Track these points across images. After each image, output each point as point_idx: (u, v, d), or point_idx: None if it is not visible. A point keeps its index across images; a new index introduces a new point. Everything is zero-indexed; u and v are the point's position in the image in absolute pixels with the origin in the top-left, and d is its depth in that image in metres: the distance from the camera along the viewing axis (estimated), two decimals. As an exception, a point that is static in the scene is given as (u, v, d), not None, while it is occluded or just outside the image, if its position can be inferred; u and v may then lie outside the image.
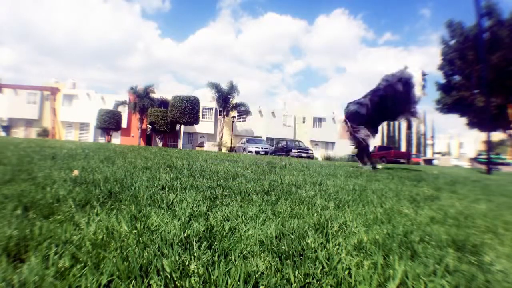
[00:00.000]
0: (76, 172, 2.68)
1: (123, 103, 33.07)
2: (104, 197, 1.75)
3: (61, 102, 35.10)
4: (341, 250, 1.09)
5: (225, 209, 1.63)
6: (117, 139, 33.61)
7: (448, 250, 1.16)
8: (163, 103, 31.21)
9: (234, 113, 34.42)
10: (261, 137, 32.53)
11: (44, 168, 2.89)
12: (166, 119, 28.58)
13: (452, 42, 23.85)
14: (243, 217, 1.47)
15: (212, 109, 35.96)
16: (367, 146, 6.00)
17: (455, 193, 2.94)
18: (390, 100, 5.70)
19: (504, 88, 19.93)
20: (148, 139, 33.98)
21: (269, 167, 4.68)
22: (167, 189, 2.16)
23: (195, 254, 0.98)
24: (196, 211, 1.56)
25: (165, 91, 35.48)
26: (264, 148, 23.66)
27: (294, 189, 2.45)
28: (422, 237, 1.32)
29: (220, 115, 33.77)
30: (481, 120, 20.74)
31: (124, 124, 33.50)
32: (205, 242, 1.08)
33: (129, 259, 0.89)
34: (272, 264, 0.95)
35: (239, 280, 0.82)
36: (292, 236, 1.18)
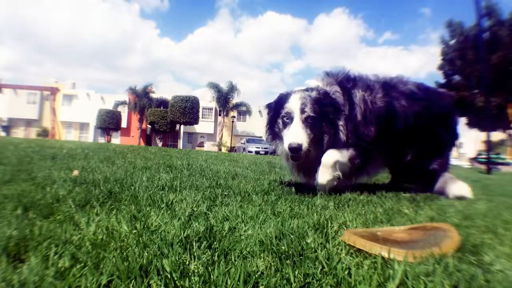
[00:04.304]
0: (76, 172, 2.68)
1: (123, 103, 33.07)
2: (104, 197, 1.75)
3: (61, 102, 35.10)
4: (341, 250, 1.10)
5: (225, 209, 1.64)
6: (117, 139, 33.62)
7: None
8: (163, 103, 31.19)
9: (234, 113, 34.41)
10: (261, 137, 32.53)
11: (44, 168, 2.89)
12: (166, 119, 28.58)
13: (452, 42, 23.86)
14: (243, 217, 1.47)
15: (212, 109, 35.97)
16: None
17: (455, 193, 2.94)
18: None
19: (504, 88, 19.92)
20: (148, 139, 33.97)
21: (269, 167, 4.68)
22: (166, 189, 2.16)
23: (195, 254, 0.98)
24: (196, 211, 1.56)
25: (165, 91, 35.56)
26: (264, 148, 23.66)
27: (294, 189, 2.46)
28: (422, 237, 1.32)
29: (220, 115, 33.75)
30: (481, 120, 20.73)
31: (124, 124, 33.51)
32: (205, 242, 1.08)
33: (129, 259, 0.89)
34: (272, 264, 0.95)
35: (239, 280, 0.82)
36: (292, 236, 1.18)
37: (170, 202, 1.72)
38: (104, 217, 1.34)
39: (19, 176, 2.29)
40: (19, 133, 33.42)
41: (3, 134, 31.04)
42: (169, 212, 1.50)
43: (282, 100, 2.16)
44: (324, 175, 2.15)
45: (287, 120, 2.05)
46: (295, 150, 1.89)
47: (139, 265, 0.86)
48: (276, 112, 2.18)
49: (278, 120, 2.16)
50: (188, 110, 27.40)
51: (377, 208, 1.90)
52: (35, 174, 2.46)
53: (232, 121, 33.22)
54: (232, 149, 30.12)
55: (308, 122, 2.01)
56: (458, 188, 2.18)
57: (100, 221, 1.28)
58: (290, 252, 1.04)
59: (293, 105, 2.04)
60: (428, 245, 1.10)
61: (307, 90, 2.15)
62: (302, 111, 2.01)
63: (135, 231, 1.17)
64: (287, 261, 0.97)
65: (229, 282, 0.81)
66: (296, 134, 1.94)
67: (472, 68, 21.16)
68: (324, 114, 2.09)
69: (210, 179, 2.78)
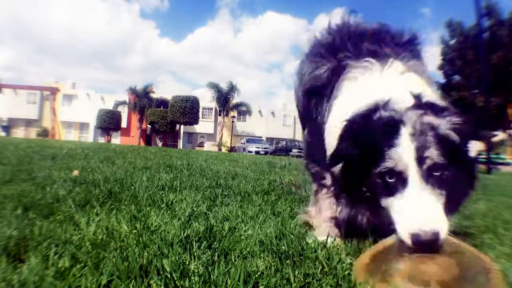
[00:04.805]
0: (76, 172, 2.68)
1: (123, 103, 33.05)
2: (104, 197, 1.75)
3: (61, 102, 35.06)
4: (341, 250, 1.10)
5: (225, 209, 1.64)
6: (116, 139, 33.58)
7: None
8: (163, 103, 31.19)
9: (234, 113, 34.39)
10: (261, 137, 32.53)
11: (44, 168, 2.89)
12: (166, 119, 28.58)
13: (452, 42, 23.86)
14: (243, 217, 1.47)
15: (212, 109, 35.95)
16: None
17: (455, 193, 2.93)
18: None
19: (504, 88, 19.91)
20: (148, 139, 33.96)
21: (269, 167, 4.68)
22: (166, 189, 2.16)
23: (195, 254, 0.98)
24: (196, 211, 1.56)
25: (165, 91, 35.55)
26: (264, 148, 23.70)
27: (294, 189, 2.46)
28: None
29: (220, 115, 33.74)
30: (481, 120, 20.69)
31: (124, 124, 33.48)
32: (204, 242, 1.08)
33: (129, 259, 0.89)
34: (272, 264, 0.95)
35: (239, 280, 0.82)
36: (292, 236, 1.19)
37: (170, 202, 1.72)
38: (104, 217, 1.34)
39: (19, 176, 2.29)
40: (19, 133, 33.39)
41: (3, 134, 31.03)
42: (169, 212, 1.50)
43: (370, 135, 0.99)
44: None
45: (392, 181, 0.97)
46: (430, 244, 0.86)
47: (139, 265, 0.86)
48: (356, 158, 1.00)
49: (364, 179, 1.01)
50: (188, 110, 27.41)
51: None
52: (35, 174, 2.46)
53: (232, 121, 33.20)
54: (232, 149, 30.12)
55: (434, 175, 0.96)
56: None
57: (100, 221, 1.28)
58: (290, 252, 1.04)
59: (404, 151, 0.94)
60: None
61: (417, 106, 1.00)
62: (421, 160, 0.94)
63: (135, 231, 1.17)
64: (287, 261, 0.97)
65: (229, 282, 0.81)
66: (425, 213, 0.90)
67: (472, 68, 21.14)
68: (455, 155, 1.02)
69: (210, 179, 2.78)
